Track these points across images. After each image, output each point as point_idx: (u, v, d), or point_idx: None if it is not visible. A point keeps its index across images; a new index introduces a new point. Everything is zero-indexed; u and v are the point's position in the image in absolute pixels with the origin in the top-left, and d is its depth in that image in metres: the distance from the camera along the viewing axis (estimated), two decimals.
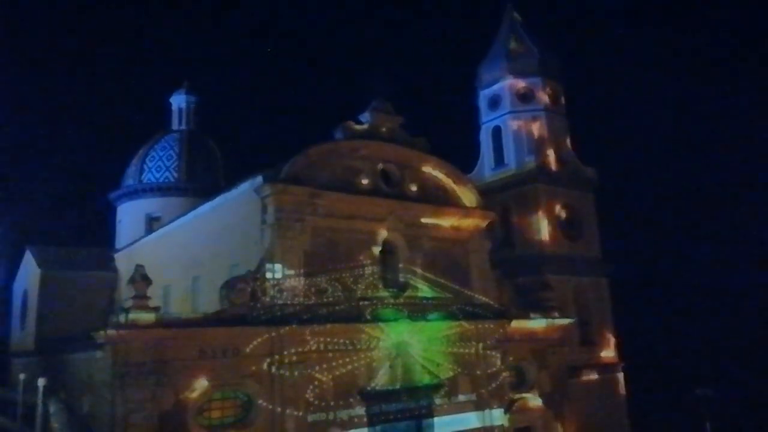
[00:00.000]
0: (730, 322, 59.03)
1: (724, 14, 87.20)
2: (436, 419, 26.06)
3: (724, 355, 54.53)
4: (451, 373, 27.12)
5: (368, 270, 25.79)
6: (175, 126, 46.09)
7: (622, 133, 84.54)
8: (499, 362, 28.60)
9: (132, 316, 19.96)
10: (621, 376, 37.38)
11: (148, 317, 20.21)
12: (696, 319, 59.23)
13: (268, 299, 22.80)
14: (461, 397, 27.21)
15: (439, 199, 29.27)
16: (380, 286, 26.13)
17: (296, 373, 22.62)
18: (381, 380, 24.99)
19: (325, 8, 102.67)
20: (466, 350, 27.75)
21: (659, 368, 51.88)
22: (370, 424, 24.21)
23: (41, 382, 23.65)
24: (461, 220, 29.53)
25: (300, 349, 22.91)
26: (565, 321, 32.17)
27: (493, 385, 28.12)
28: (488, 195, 34.62)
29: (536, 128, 38.97)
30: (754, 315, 58.78)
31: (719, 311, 59.86)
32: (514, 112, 39.53)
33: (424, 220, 28.14)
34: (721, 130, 77.23)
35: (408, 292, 26.86)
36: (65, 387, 27.34)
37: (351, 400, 23.98)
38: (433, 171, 29.47)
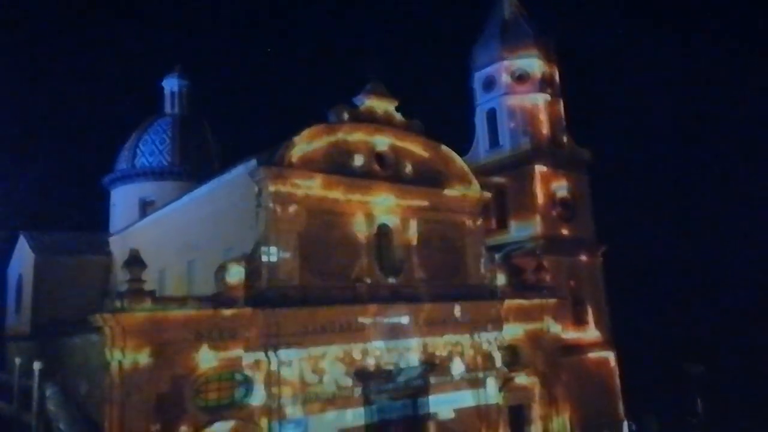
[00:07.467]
0: (721, 300, 59.57)
1: None
2: (431, 398, 26.37)
3: (715, 333, 55.10)
4: (445, 353, 27.37)
5: (363, 252, 25.89)
6: (167, 110, 45.77)
7: (618, 114, 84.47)
8: (493, 342, 28.88)
9: (127, 299, 20.02)
10: (614, 354, 37.75)
11: (143, 301, 20.27)
12: (688, 298, 59.80)
13: (263, 282, 22.88)
14: (456, 376, 27.51)
15: (434, 180, 29.26)
16: (375, 267, 26.24)
17: (292, 354, 22.80)
18: (376, 360, 25.22)
19: None
20: (461, 330, 28.00)
21: (652, 347, 52.38)
22: (367, 403, 24.48)
23: (37, 365, 23.78)
24: (456, 202, 29.56)
25: (296, 331, 23.06)
26: (559, 301, 32.42)
27: (488, 364, 28.42)
28: (483, 176, 34.60)
29: (531, 109, 38.85)
30: (745, 293, 59.29)
31: (711, 290, 60.36)
32: (509, 93, 39.37)
33: (418, 202, 28.15)
34: (718, 110, 77.25)
35: (403, 274, 26.99)
36: (61, 370, 27.44)
37: (347, 380, 24.22)
38: (427, 153, 29.43)
